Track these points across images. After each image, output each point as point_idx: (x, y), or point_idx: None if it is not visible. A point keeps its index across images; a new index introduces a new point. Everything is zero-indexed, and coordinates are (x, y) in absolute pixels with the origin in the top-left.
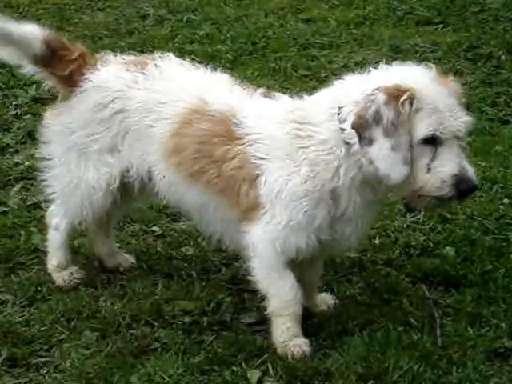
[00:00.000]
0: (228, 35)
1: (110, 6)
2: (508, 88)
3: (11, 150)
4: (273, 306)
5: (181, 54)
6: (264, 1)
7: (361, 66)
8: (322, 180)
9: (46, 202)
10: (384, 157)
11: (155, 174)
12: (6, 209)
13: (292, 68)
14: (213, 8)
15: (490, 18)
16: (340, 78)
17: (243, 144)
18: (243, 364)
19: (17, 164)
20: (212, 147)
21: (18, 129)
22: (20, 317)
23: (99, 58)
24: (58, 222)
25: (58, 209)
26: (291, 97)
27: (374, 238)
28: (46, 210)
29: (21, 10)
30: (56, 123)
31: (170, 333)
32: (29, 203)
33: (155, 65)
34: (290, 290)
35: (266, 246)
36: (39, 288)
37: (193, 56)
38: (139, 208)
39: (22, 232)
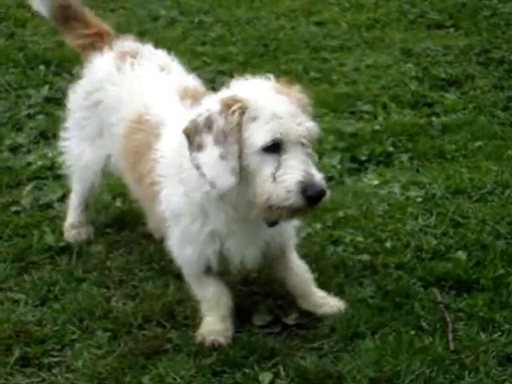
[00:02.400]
0: (239, 37)
1: (122, 8)
2: None
3: (24, 149)
4: (202, 308)
5: (192, 55)
6: (275, 3)
7: (372, 68)
8: (191, 198)
9: (58, 201)
10: (212, 164)
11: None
12: (19, 208)
13: (303, 70)
14: (224, 10)
15: (501, 22)
16: None
17: (155, 160)
18: (255, 366)
19: (29, 164)
20: (140, 159)
21: (31, 129)
22: (32, 316)
23: (112, 43)
24: (73, 186)
25: (71, 176)
26: None
27: (386, 241)
28: (58, 210)
29: (33, 10)
30: (69, 99)
31: (182, 334)
32: (41, 203)
33: (132, 60)
34: (212, 297)
35: (176, 257)
36: (51, 287)
37: (204, 58)
38: None
39: (35, 231)
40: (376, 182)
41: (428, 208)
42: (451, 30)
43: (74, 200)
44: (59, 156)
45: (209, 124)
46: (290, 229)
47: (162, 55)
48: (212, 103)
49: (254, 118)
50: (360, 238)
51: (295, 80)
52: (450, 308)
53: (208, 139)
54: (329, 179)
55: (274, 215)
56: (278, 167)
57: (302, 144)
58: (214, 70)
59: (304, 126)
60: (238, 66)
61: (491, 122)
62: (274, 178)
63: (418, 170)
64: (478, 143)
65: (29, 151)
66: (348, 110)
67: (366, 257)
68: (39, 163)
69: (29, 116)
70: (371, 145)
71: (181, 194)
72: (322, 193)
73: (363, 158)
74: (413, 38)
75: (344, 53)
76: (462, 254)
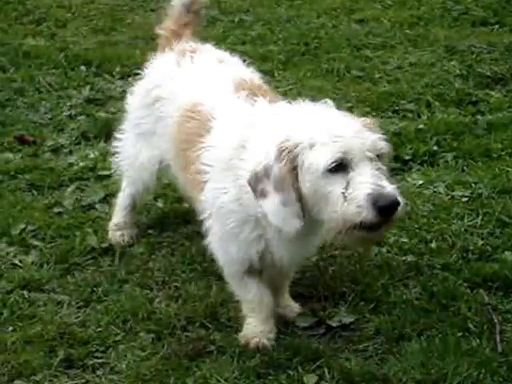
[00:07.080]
0: (280, 36)
1: (162, 7)
2: None
3: (65, 150)
4: (243, 308)
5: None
6: (316, 1)
7: (415, 66)
8: (245, 206)
9: (100, 202)
10: (275, 211)
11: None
12: (61, 209)
13: (345, 69)
14: (265, 9)
15: None
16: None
17: (203, 148)
18: (299, 368)
19: (71, 165)
20: (190, 147)
21: (72, 129)
22: (76, 318)
23: (174, 44)
24: (124, 186)
25: (124, 176)
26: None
27: (431, 241)
28: (100, 211)
29: (73, 10)
30: (127, 101)
31: (226, 335)
32: (83, 204)
33: (191, 54)
34: (253, 298)
35: (216, 254)
36: (95, 289)
37: (245, 57)
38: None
39: (77, 233)
40: (420, 182)
41: (474, 208)
42: (496, 26)
43: (123, 200)
44: (108, 156)
45: (267, 172)
46: None
47: (221, 51)
48: (270, 150)
49: (312, 145)
50: (405, 239)
51: (337, 78)
52: (498, 309)
53: (269, 186)
54: None
55: (350, 239)
56: (347, 186)
57: (370, 159)
58: (254, 69)
59: (369, 140)
60: (279, 65)
61: None
62: (345, 198)
63: (463, 170)
64: None
65: (70, 152)
66: (391, 109)
67: (410, 258)
68: (81, 164)
69: (70, 117)
70: (415, 144)
71: (233, 196)
72: (394, 203)
73: (407, 157)
74: (457, 36)
75: (387, 51)
76: (509, 255)
